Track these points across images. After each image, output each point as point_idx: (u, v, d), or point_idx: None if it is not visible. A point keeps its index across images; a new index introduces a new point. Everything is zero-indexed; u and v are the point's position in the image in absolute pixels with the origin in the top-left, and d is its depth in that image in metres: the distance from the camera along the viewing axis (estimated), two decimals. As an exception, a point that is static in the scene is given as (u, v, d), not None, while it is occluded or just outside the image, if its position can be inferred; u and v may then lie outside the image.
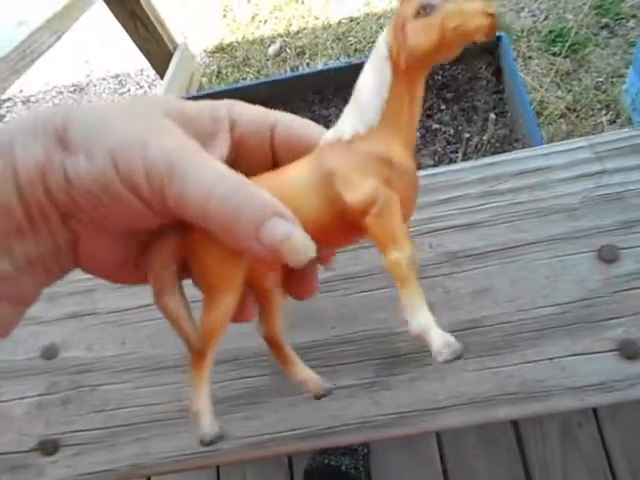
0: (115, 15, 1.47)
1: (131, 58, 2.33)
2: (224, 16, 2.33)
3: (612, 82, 1.85)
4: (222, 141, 0.21)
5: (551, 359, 0.32)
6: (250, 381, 0.34)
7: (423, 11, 0.19)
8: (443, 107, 0.59)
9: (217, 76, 2.18)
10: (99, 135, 0.17)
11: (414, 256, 0.20)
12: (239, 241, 0.18)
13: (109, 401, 0.35)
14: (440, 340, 0.20)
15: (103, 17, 1.32)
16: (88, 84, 2.39)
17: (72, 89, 2.39)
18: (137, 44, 1.59)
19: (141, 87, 2.31)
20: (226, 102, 0.22)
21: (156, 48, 1.61)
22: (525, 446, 0.93)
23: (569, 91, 1.87)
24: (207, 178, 0.17)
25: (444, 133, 0.57)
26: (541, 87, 1.90)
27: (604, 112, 1.83)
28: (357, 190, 0.20)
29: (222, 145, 0.21)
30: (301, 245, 0.18)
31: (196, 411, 0.23)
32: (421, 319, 0.20)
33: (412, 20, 0.19)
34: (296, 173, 0.22)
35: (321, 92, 0.84)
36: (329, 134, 0.22)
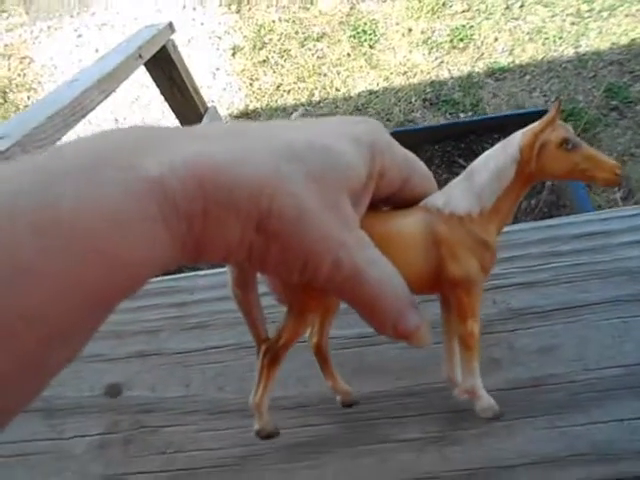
0: (154, 79, 1.57)
1: (157, 117, 2.45)
2: (250, 84, 2.46)
3: (623, 160, 1.92)
4: (369, 192, 0.23)
5: (621, 420, 0.32)
6: (314, 429, 0.34)
7: (565, 145, 0.23)
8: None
9: (241, 139, 2.28)
10: (297, 234, 0.18)
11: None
12: (375, 322, 0.21)
13: (170, 444, 0.34)
14: (487, 401, 0.28)
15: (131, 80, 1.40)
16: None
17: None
18: (171, 107, 1.68)
19: (167, 145, 2.41)
20: (380, 149, 0.22)
21: (189, 111, 1.70)
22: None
23: (581, 167, 1.94)
24: (361, 261, 0.20)
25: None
26: (554, 162, 1.97)
27: (616, 189, 1.89)
28: (460, 266, 0.24)
29: (368, 196, 0.23)
30: (425, 335, 0.21)
31: (257, 404, 0.26)
32: (475, 381, 0.27)
33: (554, 147, 0.23)
34: (406, 229, 0.24)
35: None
36: (439, 201, 0.25)
